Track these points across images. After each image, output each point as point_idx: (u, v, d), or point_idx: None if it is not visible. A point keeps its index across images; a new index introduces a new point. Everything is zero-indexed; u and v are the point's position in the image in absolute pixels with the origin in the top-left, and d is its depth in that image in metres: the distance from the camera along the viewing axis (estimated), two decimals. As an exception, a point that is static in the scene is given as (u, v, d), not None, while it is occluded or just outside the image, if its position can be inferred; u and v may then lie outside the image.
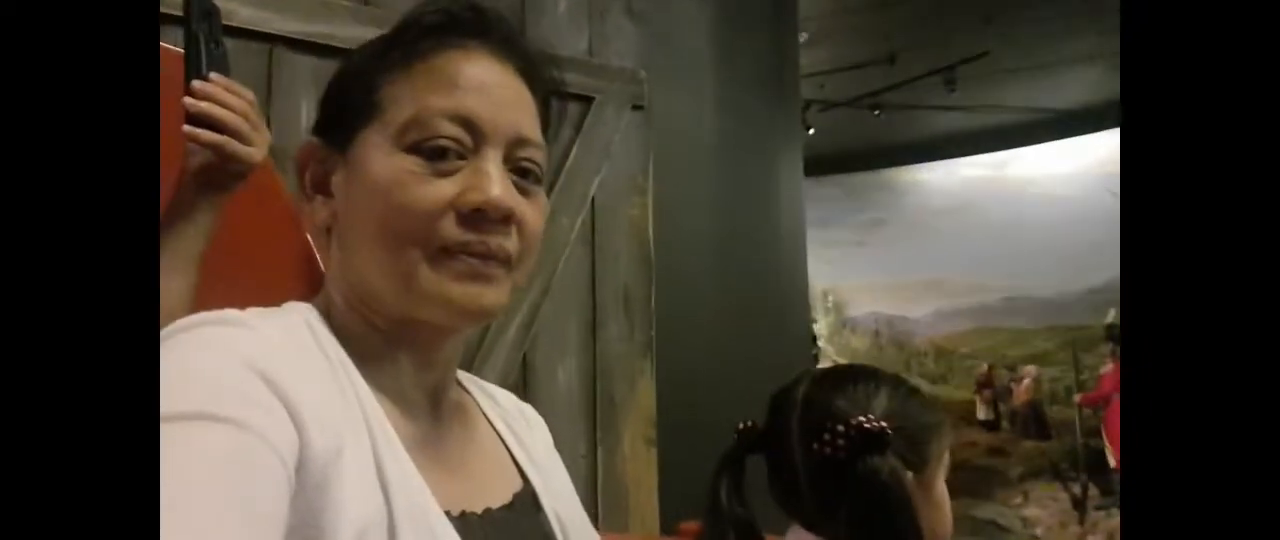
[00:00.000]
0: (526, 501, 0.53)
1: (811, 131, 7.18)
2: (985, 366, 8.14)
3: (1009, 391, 7.75)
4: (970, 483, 6.54)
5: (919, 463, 0.64)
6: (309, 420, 0.41)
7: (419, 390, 0.51)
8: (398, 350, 0.49)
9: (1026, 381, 7.46)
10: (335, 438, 0.42)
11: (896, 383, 0.68)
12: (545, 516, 0.54)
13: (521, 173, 0.49)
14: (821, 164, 9.83)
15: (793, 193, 3.00)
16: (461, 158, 0.47)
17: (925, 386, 9.29)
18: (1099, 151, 8.61)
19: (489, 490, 0.51)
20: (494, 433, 0.56)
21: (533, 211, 0.49)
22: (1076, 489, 5.72)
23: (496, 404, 0.60)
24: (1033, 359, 7.72)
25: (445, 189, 0.46)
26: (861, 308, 10.10)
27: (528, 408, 0.63)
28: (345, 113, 0.49)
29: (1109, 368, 5.55)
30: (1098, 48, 6.55)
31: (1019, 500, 6.11)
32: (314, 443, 0.40)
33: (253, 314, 0.45)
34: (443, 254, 0.46)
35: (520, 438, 0.58)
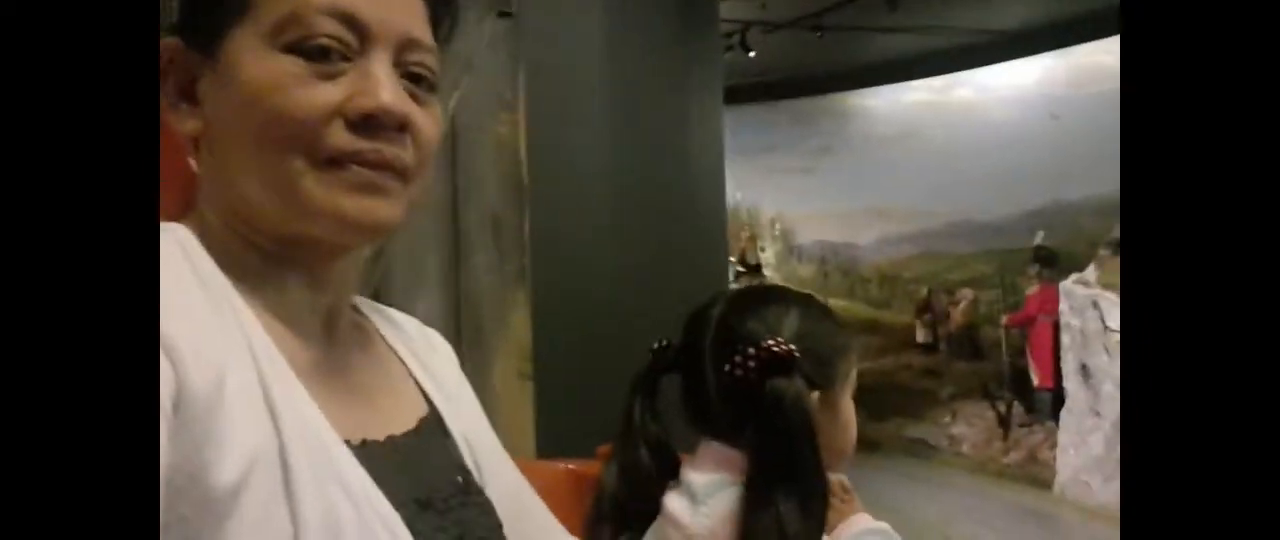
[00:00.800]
0: (433, 426, 0.52)
1: (753, 54, 7.00)
2: (925, 291, 8.30)
3: (947, 315, 7.93)
4: (904, 404, 6.71)
5: (826, 382, 0.65)
6: (184, 355, 0.39)
7: (311, 313, 0.48)
8: (284, 271, 0.47)
9: (963, 304, 7.62)
10: (215, 370, 0.40)
11: (808, 303, 0.69)
12: (453, 442, 0.53)
13: (413, 78, 0.47)
14: (769, 89, 9.70)
15: (707, 112, 2.87)
16: (346, 59, 0.45)
17: (869, 312, 9.54)
18: (1037, 73, 8.62)
19: (392, 416, 0.50)
20: (396, 357, 0.55)
21: (428, 121, 0.47)
22: (1001, 408, 5.89)
23: (398, 328, 0.58)
24: (972, 282, 7.87)
25: (330, 93, 0.44)
26: (809, 235, 10.18)
27: (433, 333, 0.61)
28: (209, 9, 0.46)
29: (1035, 289, 5.64)
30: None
31: (948, 419, 6.29)
32: (191, 378, 0.38)
33: None
34: (331, 164, 0.44)
35: (424, 362, 0.56)
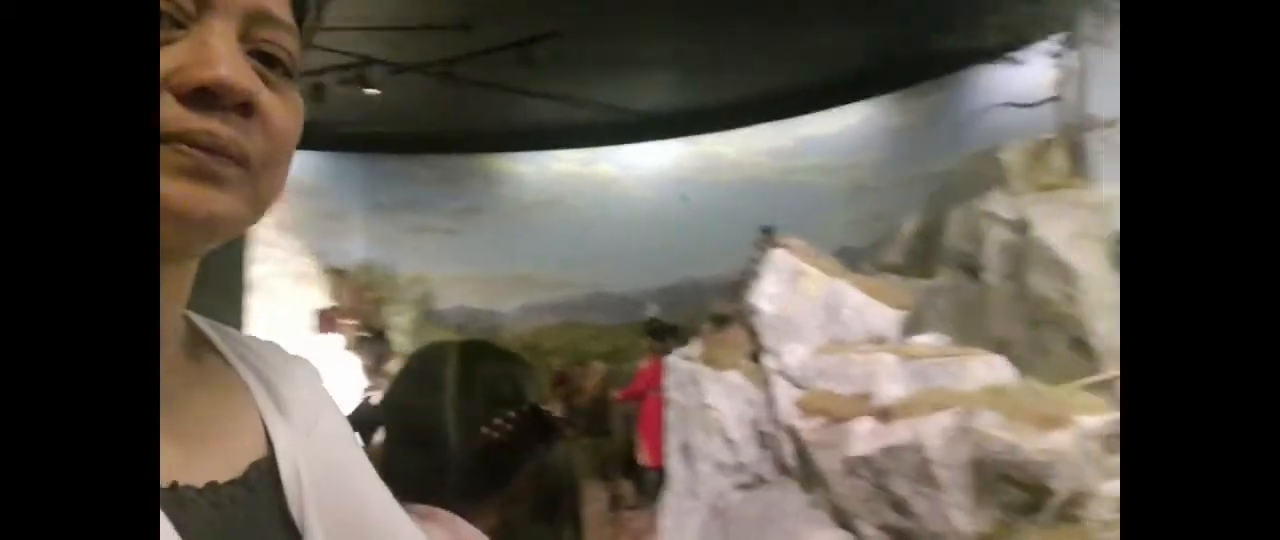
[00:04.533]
0: (263, 475, 0.45)
1: (373, 92, 6.27)
2: (560, 364, 8.04)
3: (581, 388, 7.67)
4: (522, 487, 6.20)
5: None
6: None
7: None
8: None
9: (594, 378, 7.42)
10: None
11: (520, 359, 0.76)
12: (284, 494, 0.46)
13: (266, 59, 0.41)
14: (415, 143, 9.00)
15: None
16: (179, 26, 0.38)
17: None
18: (671, 157, 9.17)
19: (216, 458, 0.43)
20: (243, 386, 0.47)
21: (282, 108, 0.41)
22: (613, 488, 5.64)
23: (248, 350, 0.49)
24: (610, 355, 7.79)
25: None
26: (450, 300, 9.53)
27: (298, 357, 0.51)
28: None
29: (646, 362, 5.55)
30: (674, 53, 6.73)
31: (563, 504, 5.89)
32: None
33: None
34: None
35: (275, 391, 0.48)
